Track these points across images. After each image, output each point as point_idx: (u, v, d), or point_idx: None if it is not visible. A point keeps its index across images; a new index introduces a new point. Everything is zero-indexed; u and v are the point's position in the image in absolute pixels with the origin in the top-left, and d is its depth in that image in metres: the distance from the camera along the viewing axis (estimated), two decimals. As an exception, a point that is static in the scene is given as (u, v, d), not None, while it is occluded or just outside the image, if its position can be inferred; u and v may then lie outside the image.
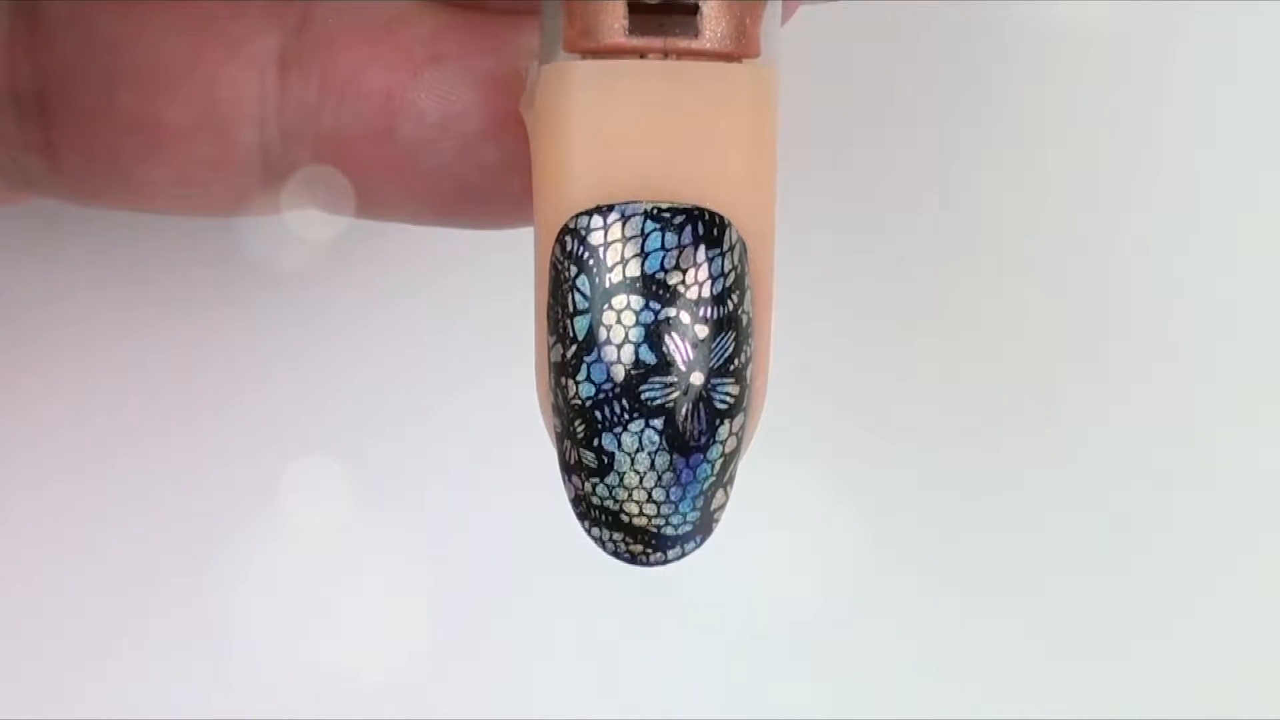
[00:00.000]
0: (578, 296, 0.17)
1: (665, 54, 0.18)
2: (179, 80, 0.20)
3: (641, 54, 0.18)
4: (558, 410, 0.18)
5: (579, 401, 0.18)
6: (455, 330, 0.27)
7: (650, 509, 0.18)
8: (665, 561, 0.18)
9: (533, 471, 0.20)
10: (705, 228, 0.17)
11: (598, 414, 0.18)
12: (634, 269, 0.17)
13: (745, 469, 0.19)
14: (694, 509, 0.18)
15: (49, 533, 0.27)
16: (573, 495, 0.18)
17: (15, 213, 0.25)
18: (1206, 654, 0.28)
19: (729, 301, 0.18)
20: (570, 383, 0.18)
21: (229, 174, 0.20)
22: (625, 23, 0.18)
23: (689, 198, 0.17)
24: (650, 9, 0.18)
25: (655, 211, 0.17)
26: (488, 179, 0.20)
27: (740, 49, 0.18)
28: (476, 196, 0.20)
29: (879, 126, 0.27)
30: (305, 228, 0.25)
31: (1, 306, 0.26)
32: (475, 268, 0.27)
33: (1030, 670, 0.28)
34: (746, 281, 0.18)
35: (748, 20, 0.18)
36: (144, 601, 0.27)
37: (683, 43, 0.18)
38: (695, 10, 0.18)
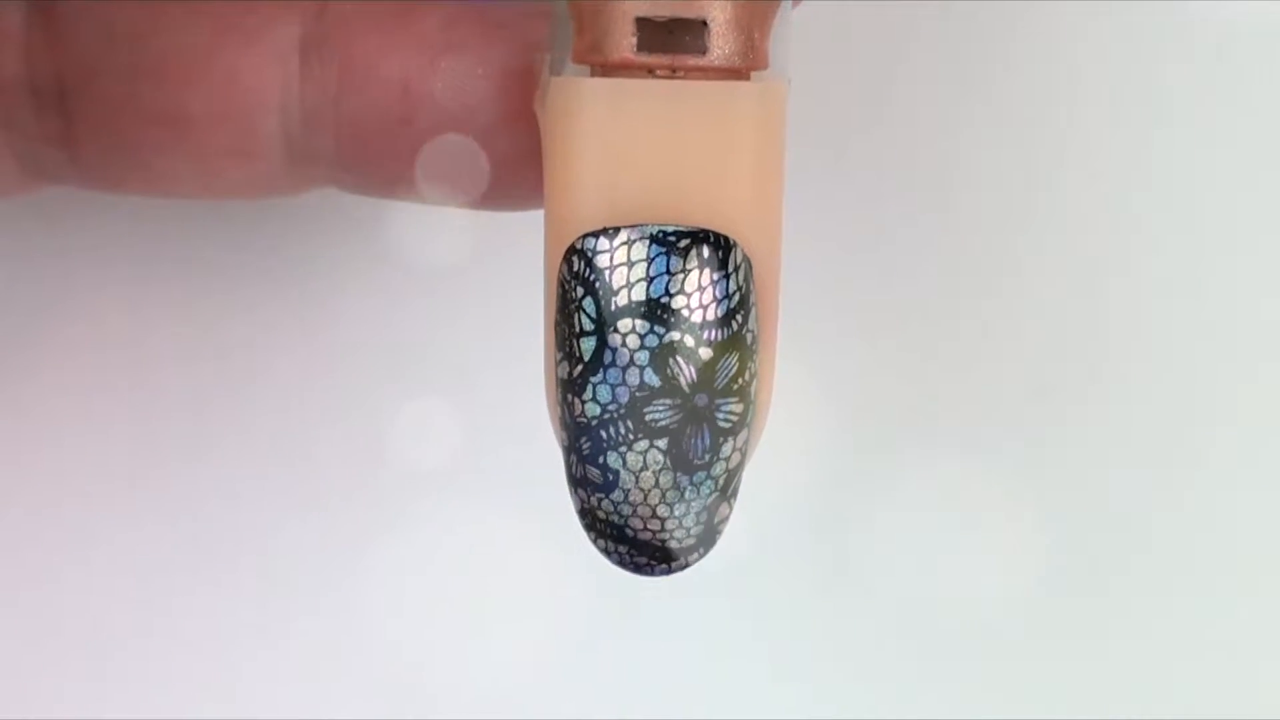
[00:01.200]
0: (584, 318, 0.18)
1: (673, 70, 0.18)
2: (201, 71, 0.20)
3: (650, 70, 0.18)
4: (564, 425, 0.18)
5: (584, 420, 0.18)
6: (466, 321, 0.27)
7: (655, 524, 0.18)
8: (670, 572, 0.18)
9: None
10: (711, 250, 0.17)
11: (603, 433, 0.18)
12: (639, 293, 0.17)
13: (749, 475, 0.19)
14: (698, 523, 0.18)
15: (49, 538, 0.27)
16: (579, 507, 0.18)
17: (16, 210, 0.25)
18: (1207, 654, 0.28)
19: (733, 322, 0.18)
20: (576, 401, 0.18)
21: (252, 161, 0.20)
22: (634, 39, 0.18)
23: (695, 218, 0.17)
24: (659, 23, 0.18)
25: (661, 235, 0.17)
26: (504, 168, 0.20)
27: (748, 63, 0.18)
28: (493, 184, 0.20)
29: (879, 126, 0.27)
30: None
31: (4, 302, 0.26)
32: (489, 257, 0.27)
33: (1029, 670, 0.28)
34: (751, 300, 0.18)
35: (756, 35, 0.18)
36: (152, 600, 0.27)
37: (690, 60, 0.18)
38: (704, 24, 0.18)
